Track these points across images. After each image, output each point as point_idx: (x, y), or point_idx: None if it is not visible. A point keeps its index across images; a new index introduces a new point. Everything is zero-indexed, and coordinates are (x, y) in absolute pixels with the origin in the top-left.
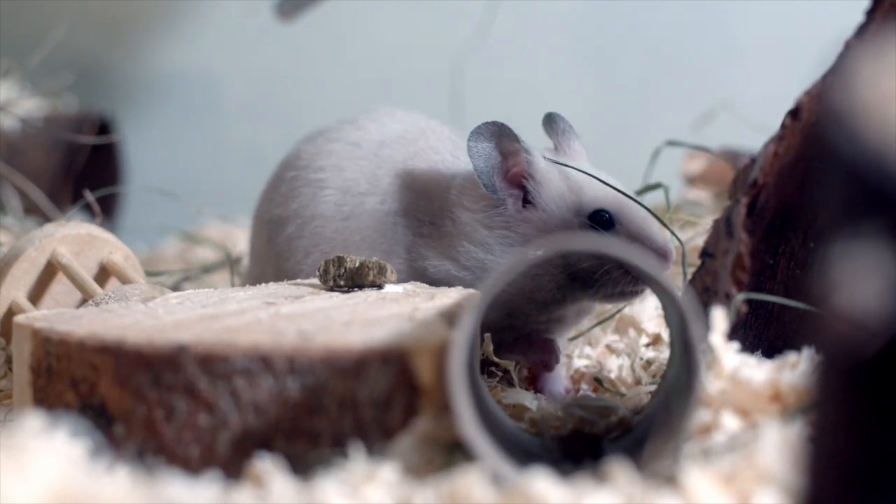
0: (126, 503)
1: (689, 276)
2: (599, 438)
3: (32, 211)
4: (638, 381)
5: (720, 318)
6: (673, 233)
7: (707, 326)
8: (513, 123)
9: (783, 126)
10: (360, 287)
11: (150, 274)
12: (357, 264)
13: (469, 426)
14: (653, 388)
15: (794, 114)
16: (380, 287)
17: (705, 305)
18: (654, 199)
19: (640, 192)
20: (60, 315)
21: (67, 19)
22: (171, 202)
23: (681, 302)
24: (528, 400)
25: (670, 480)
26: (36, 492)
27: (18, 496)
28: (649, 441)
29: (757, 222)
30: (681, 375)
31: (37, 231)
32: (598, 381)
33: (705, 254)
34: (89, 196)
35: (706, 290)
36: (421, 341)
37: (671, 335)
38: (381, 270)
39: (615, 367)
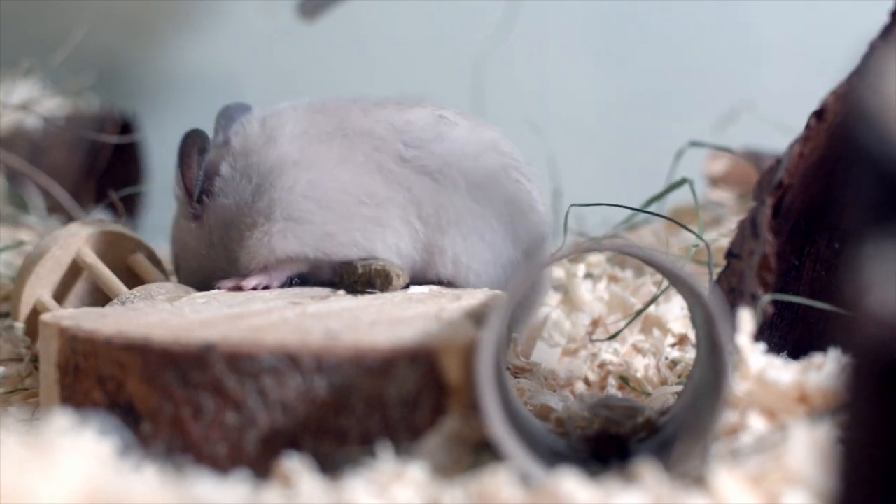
0: (157, 502)
1: (714, 277)
2: (626, 439)
3: (55, 209)
4: (664, 381)
5: (747, 320)
6: (696, 234)
7: (733, 327)
8: (534, 123)
9: (808, 127)
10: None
11: (173, 273)
12: (368, 269)
13: (497, 426)
14: (679, 388)
15: (819, 114)
16: (405, 288)
17: (731, 306)
18: (677, 198)
19: (665, 190)
20: (87, 313)
21: (89, 19)
22: None
23: (708, 303)
24: (554, 401)
25: (698, 481)
26: (67, 491)
27: (49, 495)
28: (678, 442)
29: (782, 223)
30: (707, 376)
31: (61, 230)
32: (623, 381)
33: (731, 255)
34: (113, 195)
35: (732, 291)
36: (449, 341)
37: (697, 336)
38: (387, 279)
39: (641, 366)
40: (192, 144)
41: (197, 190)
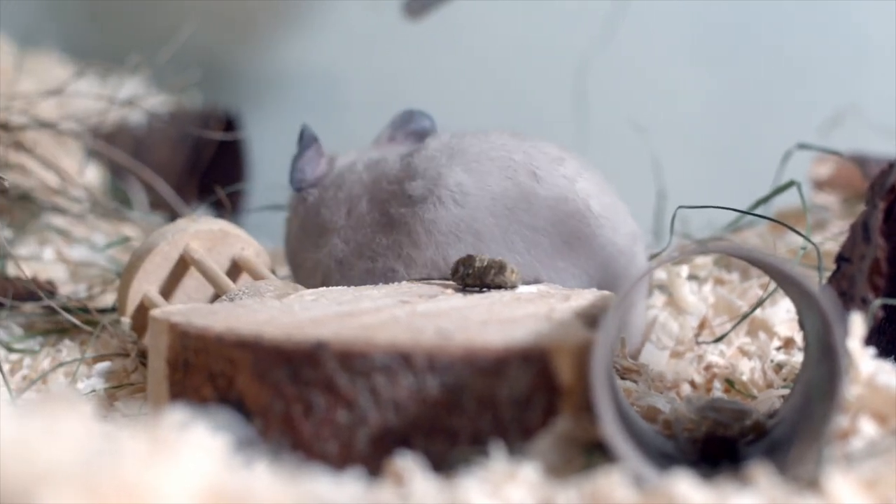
0: (279, 500)
1: (823, 281)
2: (735, 441)
3: (158, 206)
4: (769, 384)
5: (858, 324)
6: (805, 237)
7: (845, 331)
8: (638, 124)
9: None
10: (486, 286)
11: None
12: (485, 263)
13: (610, 427)
14: (785, 391)
15: None
16: (501, 286)
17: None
18: (781, 201)
19: (773, 193)
20: (196, 310)
21: (195, 17)
22: None
23: (824, 305)
24: (661, 402)
25: (812, 484)
26: (190, 488)
27: (173, 493)
28: (793, 445)
29: (894, 227)
30: (820, 379)
31: (169, 226)
32: (729, 383)
33: (841, 258)
34: (220, 192)
35: (842, 295)
36: (561, 341)
37: (807, 338)
38: (501, 269)
39: (747, 369)
40: (302, 138)
41: (291, 177)
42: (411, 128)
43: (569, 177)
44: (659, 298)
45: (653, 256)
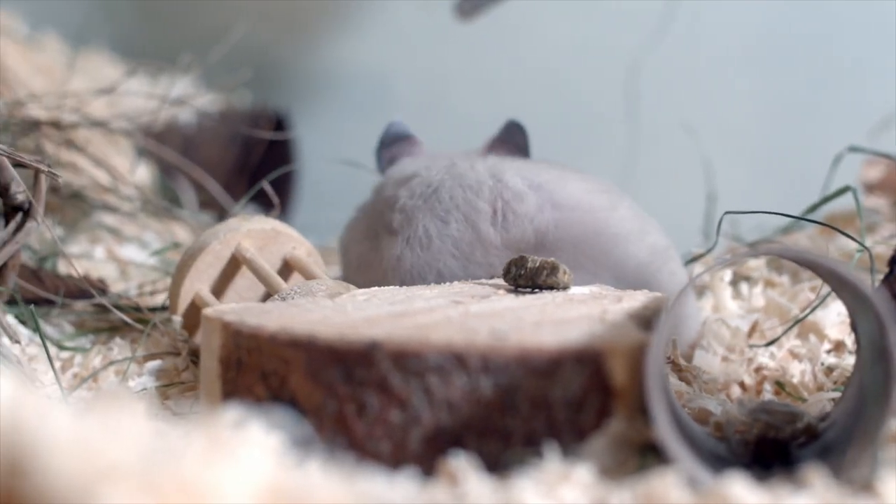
0: (337, 499)
1: (875, 284)
2: (787, 444)
3: (207, 205)
4: (820, 387)
5: None
6: (857, 241)
7: None
8: (689, 127)
9: None
10: (538, 286)
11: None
12: (537, 264)
13: (665, 429)
14: (835, 394)
15: None
16: (553, 287)
17: None
18: (831, 203)
19: (826, 198)
20: (249, 309)
21: (246, 17)
22: (343, 197)
23: (879, 307)
24: (713, 405)
25: (866, 487)
26: (250, 487)
27: (234, 493)
28: (848, 448)
29: None
30: (874, 383)
31: (221, 225)
32: (779, 386)
33: (894, 261)
34: (269, 189)
35: (895, 298)
36: (615, 342)
37: (861, 341)
38: (553, 270)
39: (797, 371)
40: (385, 135)
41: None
42: (511, 140)
43: (528, 215)
44: (709, 301)
45: (697, 258)
